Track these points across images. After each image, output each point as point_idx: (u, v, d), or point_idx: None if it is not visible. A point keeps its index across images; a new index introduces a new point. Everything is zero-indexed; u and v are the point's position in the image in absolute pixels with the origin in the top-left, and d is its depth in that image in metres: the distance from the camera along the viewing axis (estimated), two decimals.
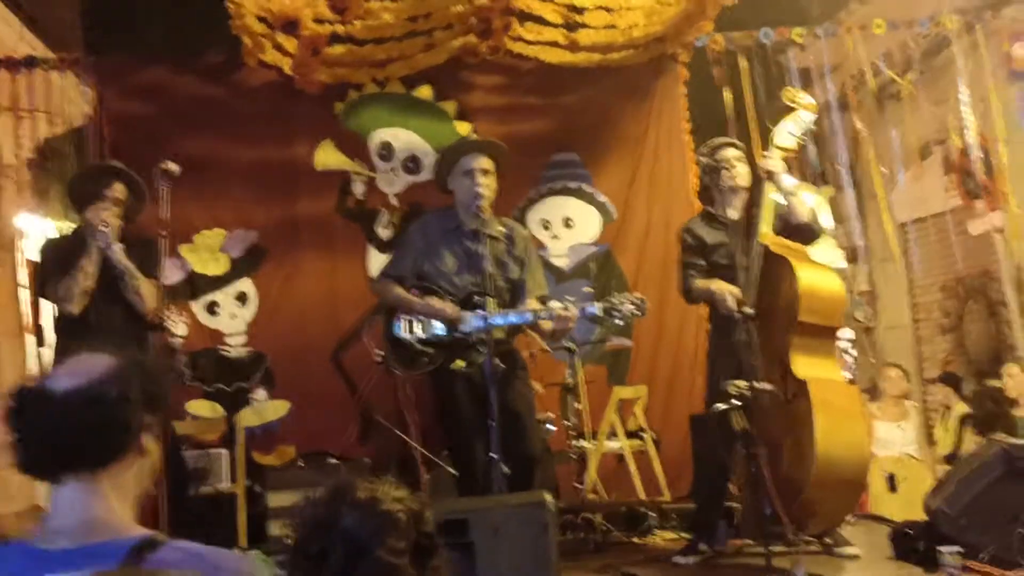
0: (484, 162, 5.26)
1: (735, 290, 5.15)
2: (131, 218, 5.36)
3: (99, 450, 1.89)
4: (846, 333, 10.84)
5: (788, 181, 5.44)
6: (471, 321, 5.11)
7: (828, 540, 5.35)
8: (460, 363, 5.12)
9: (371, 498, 1.85)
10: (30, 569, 1.80)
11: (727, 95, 7.71)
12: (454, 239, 5.32)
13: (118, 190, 5.19)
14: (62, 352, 5.18)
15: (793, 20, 8.05)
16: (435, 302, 5.21)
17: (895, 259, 8.06)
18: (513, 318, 5.21)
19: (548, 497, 4.21)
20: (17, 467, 1.88)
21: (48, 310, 7.91)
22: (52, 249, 5.43)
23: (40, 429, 1.88)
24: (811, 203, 9.61)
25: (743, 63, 7.74)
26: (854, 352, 10.32)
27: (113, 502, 1.89)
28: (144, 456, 1.95)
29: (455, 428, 5.29)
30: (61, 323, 5.25)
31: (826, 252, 10.54)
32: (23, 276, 8.66)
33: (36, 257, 7.90)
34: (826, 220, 9.99)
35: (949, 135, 8.00)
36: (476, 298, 5.11)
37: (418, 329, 5.24)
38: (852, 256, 9.72)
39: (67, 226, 7.87)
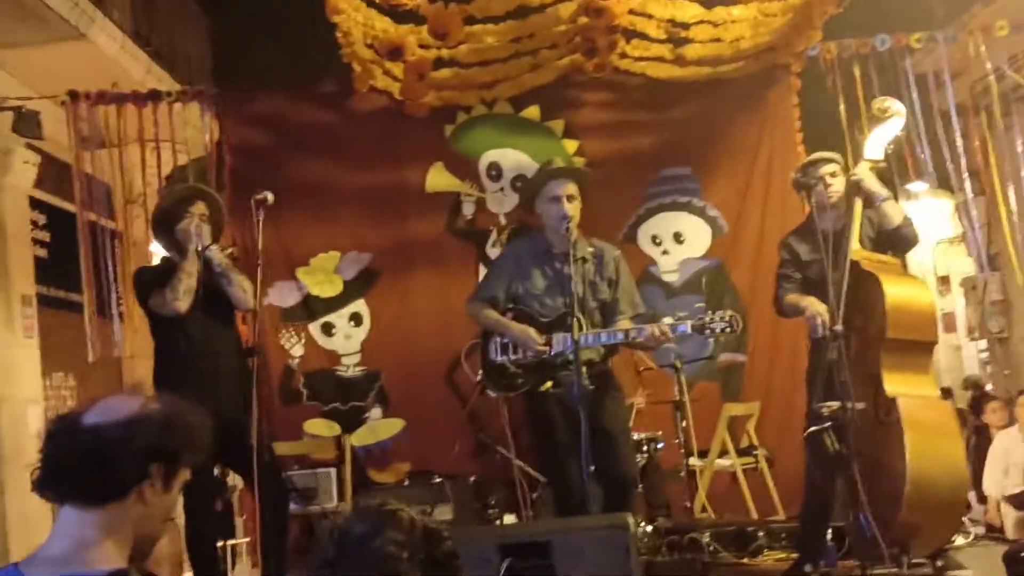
0: (569, 188, 5.29)
1: (825, 309, 5.04)
2: (218, 233, 5.51)
3: (92, 489, 1.97)
4: (980, 344, 10.53)
5: (876, 186, 5.29)
6: (561, 342, 5.13)
7: (939, 563, 5.18)
8: (548, 385, 5.15)
9: (378, 504, 1.98)
10: None
11: (842, 105, 7.54)
12: (544, 261, 5.36)
13: (200, 207, 5.34)
14: (165, 378, 5.28)
15: (915, 25, 7.84)
16: (523, 330, 5.24)
17: (1017, 268, 7.71)
18: (604, 338, 5.21)
19: (631, 520, 4.20)
20: (32, 485, 2.01)
21: None
22: (147, 270, 5.64)
23: (55, 454, 2.00)
24: (942, 212, 9.42)
25: (858, 71, 7.56)
26: (988, 363, 10.02)
27: (103, 537, 1.97)
28: (144, 504, 2.01)
29: (549, 449, 5.32)
30: (164, 349, 5.38)
31: (957, 260, 10.27)
32: None
33: None
34: (954, 228, 9.75)
35: None
36: (567, 319, 5.12)
37: (512, 350, 5.29)
38: (983, 265, 9.41)
39: None
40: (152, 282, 5.29)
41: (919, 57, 7.85)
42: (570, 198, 5.26)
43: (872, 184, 5.27)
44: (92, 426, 1.98)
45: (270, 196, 5.20)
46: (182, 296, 5.14)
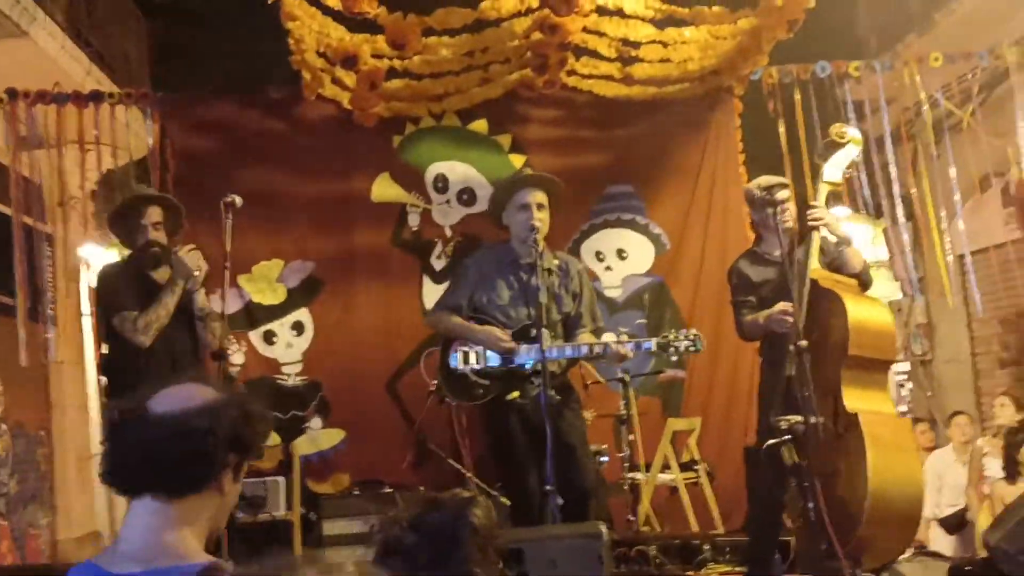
0: (539, 196, 5.31)
1: (784, 305, 5.13)
2: (171, 237, 5.43)
3: (177, 479, 1.93)
4: (902, 366, 10.80)
5: (840, 231, 5.44)
6: (526, 353, 5.15)
7: (886, 574, 5.30)
8: (515, 395, 5.16)
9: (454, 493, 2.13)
10: None
11: (781, 128, 7.72)
12: (509, 272, 5.36)
13: (154, 214, 5.26)
14: (121, 377, 5.23)
15: (849, 54, 8.07)
16: (487, 331, 5.26)
17: (948, 293, 7.96)
18: (569, 351, 5.24)
19: (604, 528, 4.23)
20: (102, 477, 1.95)
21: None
22: (114, 278, 5.43)
23: (129, 446, 1.95)
24: (864, 236, 9.66)
25: (798, 96, 7.74)
26: (910, 385, 10.27)
27: (184, 529, 1.93)
28: (221, 495, 1.98)
29: (509, 459, 5.32)
30: (121, 350, 5.30)
31: (882, 284, 10.52)
32: (86, 305, 8.87)
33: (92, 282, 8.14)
34: (883, 252, 9.99)
35: (1009, 167, 7.95)
36: (531, 331, 5.14)
37: (473, 360, 5.29)
38: (909, 288, 9.67)
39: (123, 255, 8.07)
40: (123, 298, 5.18)
41: (853, 84, 8.07)
42: (539, 207, 5.28)
43: (837, 229, 5.40)
44: (167, 416, 1.93)
45: (238, 199, 5.15)
46: (152, 333, 5.08)
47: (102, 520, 9.18)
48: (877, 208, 8.33)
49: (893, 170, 8.26)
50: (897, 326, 10.07)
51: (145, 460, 1.93)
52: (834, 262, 5.50)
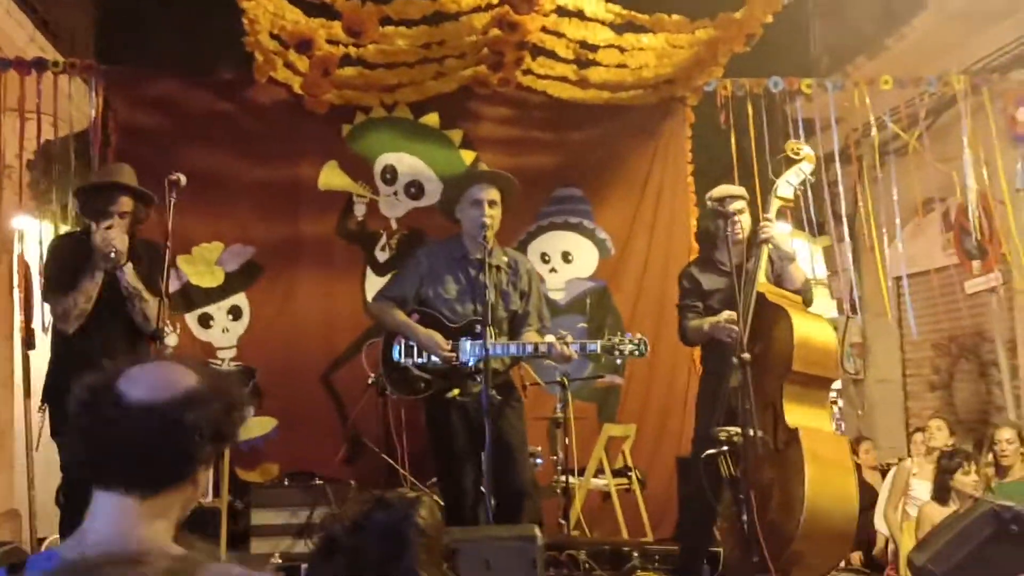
0: (492, 193, 5.28)
1: (729, 314, 5.15)
2: (138, 223, 5.29)
3: (155, 475, 1.84)
4: (835, 383, 10.91)
5: (787, 247, 5.50)
6: (469, 350, 5.11)
7: None
8: (456, 392, 5.12)
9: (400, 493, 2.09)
10: None
11: (733, 140, 7.74)
12: (458, 267, 5.33)
13: (125, 204, 5.12)
14: (59, 363, 5.11)
15: (801, 71, 8.11)
16: (428, 335, 5.20)
17: (887, 313, 8.06)
18: (513, 349, 5.21)
19: (537, 531, 4.20)
20: (69, 463, 1.85)
21: (41, 314, 7.90)
22: (59, 253, 5.30)
23: (103, 435, 1.83)
24: (805, 254, 9.75)
25: (750, 110, 7.77)
26: (840, 402, 10.37)
27: (156, 523, 1.84)
28: (196, 487, 1.91)
29: (446, 456, 5.29)
30: (57, 333, 5.18)
31: (819, 302, 10.62)
32: (17, 278, 8.64)
33: (30, 255, 7.94)
34: (820, 269, 10.09)
35: (952, 193, 8.05)
36: (476, 327, 5.10)
37: (415, 354, 5.23)
38: (845, 307, 9.77)
39: (65, 228, 7.87)
40: (58, 279, 5.06)
41: (804, 102, 8.13)
42: (492, 203, 5.25)
43: (783, 245, 5.47)
44: (145, 406, 1.81)
45: (183, 178, 5.03)
46: (73, 320, 4.95)
47: (20, 498, 8.95)
48: (820, 226, 8.41)
49: (839, 189, 8.35)
50: None
51: (122, 453, 1.82)
52: (778, 277, 5.55)
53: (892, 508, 7.26)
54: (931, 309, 8.93)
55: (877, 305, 8.88)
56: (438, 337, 5.20)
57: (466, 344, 5.14)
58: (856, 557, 7.27)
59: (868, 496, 7.99)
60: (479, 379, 5.01)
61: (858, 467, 8.53)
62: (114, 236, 4.97)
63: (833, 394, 11.21)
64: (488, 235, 5.17)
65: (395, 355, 5.27)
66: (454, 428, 5.18)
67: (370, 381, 6.51)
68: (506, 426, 5.16)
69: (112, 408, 1.82)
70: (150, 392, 1.83)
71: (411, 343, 5.26)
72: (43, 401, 5.12)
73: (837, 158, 8.04)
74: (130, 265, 5.09)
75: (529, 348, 5.21)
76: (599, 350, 5.31)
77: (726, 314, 5.21)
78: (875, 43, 8.38)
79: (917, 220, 8.55)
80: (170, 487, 1.85)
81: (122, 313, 5.09)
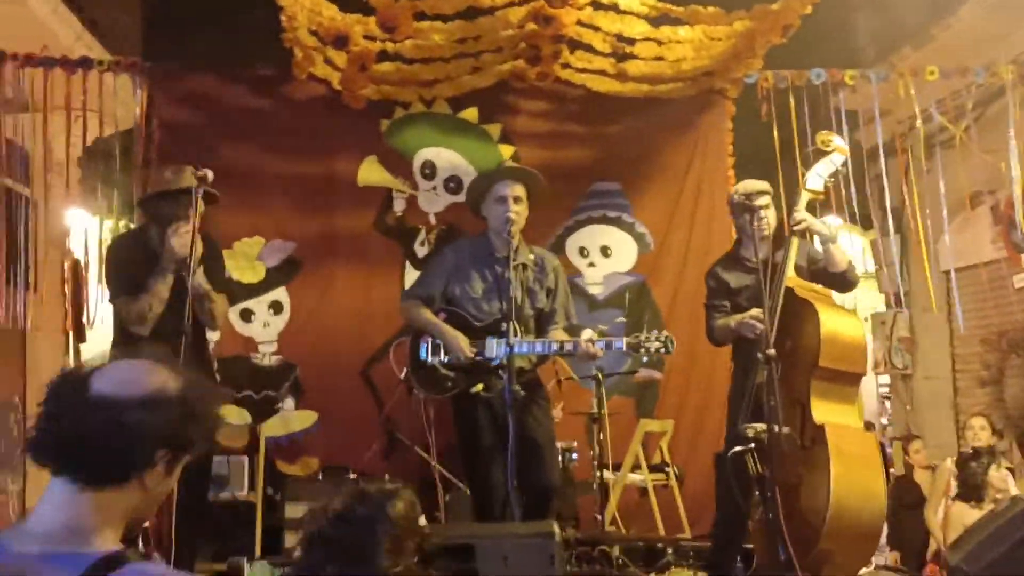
0: (517, 189, 5.27)
1: (757, 311, 5.11)
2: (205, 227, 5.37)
3: (97, 469, 1.85)
4: (883, 379, 10.77)
5: (826, 229, 5.41)
6: (494, 348, 5.11)
7: None
8: (479, 388, 5.13)
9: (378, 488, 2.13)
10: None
11: (776, 133, 7.65)
12: (484, 265, 5.33)
13: (198, 208, 5.21)
14: (123, 338, 5.20)
15: (845, 62, 7.99)
16: (454, 336, 5.21)
17: (934, 309, 7.92)
18: (538, 347, 5.21)
19: (556, 528, 4.20)
20: (27, 446, 1.88)
21: (98, 307, 8.03)
22: (121, 255, 5.39)
23: (59, 420, 1.85)
24: (854, 247, 9.62)
25: (792, 102, 7.68)
26: (890, 398, 10.25)
27: (96, 517, 1.85)
28: (144, 491, 1.89)
29: (473, 453, 5.30)
30: (123, 333, 5.25)
31: (867, 296, 10.49)
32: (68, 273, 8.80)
33: (80, 251, 8.08)
34: (868, 264, 9.96)
35: (1001, 185, 7.90)
36: (503, 325, 5.10)
37: (442, 352, 5.25)
38: (893, 301, 9.64)
39: (115, 225, 8.01)
40: (125, 281, 5.15)
41: (848, 94, 8.01)
42: (516, 199, 5.24)
43: (820, 228, 5.38)
44: (104, 399, 1.83)
45: (210, 173, 5.07)
46: (148, 323, 5.02)
47: None
48: (866, 220, 8.29)
49: (884, 181, 8.22)
50: (880, 338, 10.07)
51: (69, 441, 1.84)
52: (820, 262, 5.47)
53: (932, 509, 7.16)
54: (980, 303, 8.76)
55: (925, 299, 8.75)
56: (463, 340, 5.20)
57: (492, 342, 5.15)
58: (893, 557, 7.18)
59: (915, 495, 7.92)
60: (504, 376, 5.01)
61: (909, 467, 8.48)
62: (188, 240, 5.06)
63: (884, 390, 11.10)
64: (513, 231, 5.16)
65: (422, 354, 5.29)
66: (481, 425, 5.19)
67: (401, 378, 6.54)
68: (532, 423, 5.16)
69: (75, 397, 1.85)
70: (113, 387, 1.85)
71: (437, 342, 5.27)
72: None
73: (882, 151, 7.93)
74: (201, 267, 5.18)
75: (554, 346, 5.21)
76: (624, 348, 5.29)
77: (753, 311, 5.17)
78: (921, 33, 8.22)
79: (965, 213, 8.40)
80: (113, 484, 1.85)
81: (182, 295, 5.16)
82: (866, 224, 8.51)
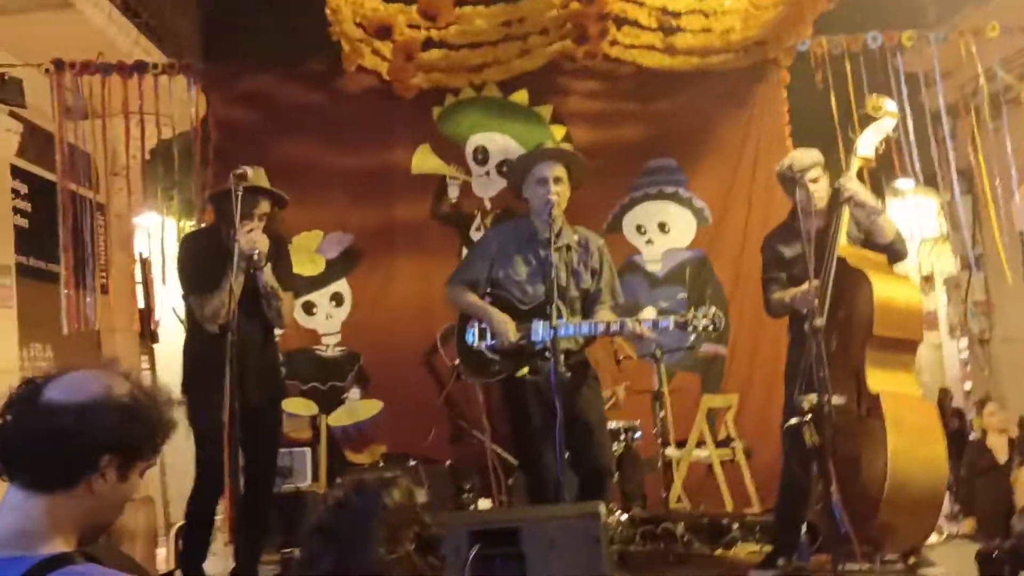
0: (557, 170, 5.24)
1: (809, 287, 5.04)
2: (272, 223, 5.41)
3: (39, 473, 1.88)
4: (962, 343, 10.52)
5: (872, 201, 5.30)
6: (539, 331, 5.10)
7: (912, 560, 5.20)
8: (524, 371, 5.12)
9: (377, 477, 2.13)
10: None
11: (833, 101, 7.50)
12: (528, 247, 5.31)
13: (263, 206, 5.29)
14: (196, 359, 5.33)
15: (905, 25, 7.81)
16: (500, 320, 5.20)
17: (1005, 270, 7.71)
18: (585, 329, 5.18)
19: (603, 509, 4.18)
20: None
21: (168, 307, 8.21)
22: (194, 253, 5.50)
23: (10, 427, 1.90)
24: (926, 210, 9.41)
25: (847, 68, 7.52)
26: (968, 363, 10.02)
27: (44, 521, 1.88)
28: (92, 496, 1.91)
29: (524, 437, 5.30)
30: (196, 332, 5.36)
31: (940, 259, 10.28)
32: (139, 274, 9.01)
33: (149, 253, 8.26)
34: (939, 226, 9.75)
35: None
36: (547, 307, 5.08)
37: (489, 336, 5.25)
38: (967, 264, 9.41)
39: (179, 225, 8.17)
40: (199, 279, 5.25)
41: (909, 56, 7.82)
42: (557, 180, 5.20)
43: (867, 198, 5.28)
44: (48, 405, 1.88)
45: (250, 171, 5.13)
46: (221, 319, 5.10)
47: (154, 485, 9.35)
48: (934, 182, 8.10)
49: (951, 143, 8.02)
50: (954, 302, 9.86)
51: (16, 447, 1.89)
52: (868, 233, 5.38)
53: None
54: None
55: (999, 261, 8.53)
56: (509, 324, 5.19)
57: (538, 325, 5.12)
58: (968, 524, 7.04)
59: (988, 461, 7.75)
60: (549, 358, 4.99)
61: (983, 431, 8.29)
62: (257, 238, 5.14)
63: (965, 354, 10.86)
64: (555, 213, 5.14)
65: (469, 338, 5.30)
66: (530, 408, 5.17)
67: (453, 365, 6.57)
68: (582, 404, 5.14)
69: (27, 405, 1.89)
70: (61, 394, 1.89)
71: (484, 326, 5.28)
72: (182, 392, 5.29)
73: (944, 113, 7.74)
74: (268, 265, 5.26)
75: (601, 327, 5.17)
76: (671, 327, 5.22)
77: (807, 284, 5.09)
78: None
79: None
80: (60, 488, 1.88)
81: (257, 311, 5.26)
82: (935, 187, 8.32)
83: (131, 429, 1.92)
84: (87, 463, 1.88)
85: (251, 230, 5.13)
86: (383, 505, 2.07)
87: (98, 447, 1.89)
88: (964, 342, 10.47)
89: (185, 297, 5.48)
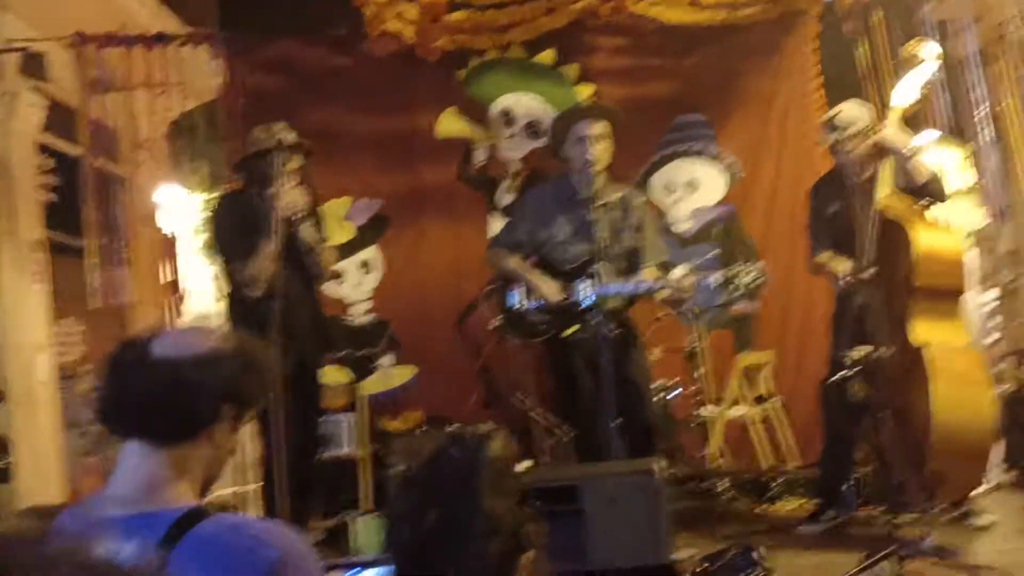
0: (598, 128, 5.18)
1: (846, 268, 5.02)
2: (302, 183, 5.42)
3: (166, 427, 1.92)
4: (991, 294, 10.45)
5: (904, 145, 5.23)
6: (583, 290, 5.07)
7: (965, 508, 5.19)
8: (572, 329, 5.10)
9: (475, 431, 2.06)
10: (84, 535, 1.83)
11: (861, 50, 7.42)
12: (569, 208, 5.27)
13: (295, 162, 5.27)
14: (242, 323, 5.26)
15: None
16: (544, 282, 5.17)
17: None
18: (628, 287, 5.15)
19: (658, 464, 4.17)
20: (95, 415, 1.96)
21: (195, 276, 8.19)
22: (227, 219, 5.49)
23: (123, 386, 1.94)
24: (950, 162, 9.33)
25: (877, 17, 7.43)
26: (999, 314, 9.94)
27: (172, 474, 1.91)
28: (213, 446, 1.96)
29: (573, 396, 5.28)
30: (238, 295, 5.34)
31: (966, 210, 10.18)
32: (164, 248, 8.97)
33: (170, 227, 8.22)
34: (966, 178, 9.65)
35: None
36: (591, 267, 5.05)
37: (532, 298, 5.22)
38: (996, 214, 9.32)
39: (206, 197, 8.13)
40: (236, 244, 5.25)
41: (935, 4, 7.72)
42: (598, 138, 5.15)
43: (895, 141, 5.20)
44: (166, 360, 1.91)
45: (276, 127, 5.10)
46: (261, 285, 5.08)
47: None
48: (960, 131, 8.02)
49: (980, 91, 7.93)
50: (984, 253, 9.77)
51: (137, 403, 1.92)
52: (906, 177, 5.32)
53: None
54: None
55: None
56: (553, 284, 5.16)
57: (581, 285, 5.09)
58: (1012, 476, 6.99)
59: None
60: (595, 318, 4.97)
61: (1021, 383, 8.22)
62: (296, 196, 5.12)
63: (995, 304, 10.79)
64: (595, 171, 5.09)
65: (512, 300, 5.27)
66: (577, 368, 5.16)
67: (493, 327, 6.53)
68: (628, 363, 5.13)
69: (137, 362, 1.93)
70: (172, 350, 1.93)
71: (527, 288, 5.24)
72: None
73: (974, 59, 7.64)
74: (309, 222, 5.25)
75: (644, 285, 5.15)
76: (716, 283, 5.19)
77: (843, 268, 5.09)
78: None
79: None
80: (183, 440, 1.92)
81: (298, 268, 5.23)
82: (963, 137, 8.24)
83: (248, 379, 1.97)
84: (209, 413, 1.93)
85: (288, 189, 5.12)
86: (485, 456, 2.04)
87: (219, 397, 1.93)
88: (991, 294, 10.41)
89: (223, 264, 5.45)
